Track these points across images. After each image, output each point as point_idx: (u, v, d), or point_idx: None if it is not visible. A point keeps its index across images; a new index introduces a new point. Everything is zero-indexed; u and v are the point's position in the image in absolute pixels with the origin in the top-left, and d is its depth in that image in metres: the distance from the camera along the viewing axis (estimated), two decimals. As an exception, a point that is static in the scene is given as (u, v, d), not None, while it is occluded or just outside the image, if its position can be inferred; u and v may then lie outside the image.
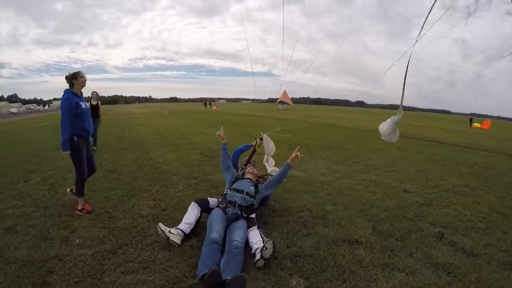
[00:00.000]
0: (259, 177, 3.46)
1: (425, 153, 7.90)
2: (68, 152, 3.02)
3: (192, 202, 2.81)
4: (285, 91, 46.01)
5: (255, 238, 2.44)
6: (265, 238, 2.45)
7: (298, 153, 3.13)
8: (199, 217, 2.72)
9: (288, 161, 3.13)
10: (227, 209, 2.68)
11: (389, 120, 2.72)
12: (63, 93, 3.08)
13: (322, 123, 17.08)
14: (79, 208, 3.18)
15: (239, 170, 3.53)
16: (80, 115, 3.05)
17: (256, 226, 2.59)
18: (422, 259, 2.37)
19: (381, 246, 2.56)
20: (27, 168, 5.23)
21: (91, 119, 3.45)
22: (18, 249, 2.40)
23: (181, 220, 2.67)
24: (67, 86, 3.14)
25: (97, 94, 7.51)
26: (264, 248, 2.17)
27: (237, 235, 2.32)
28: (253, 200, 2.88)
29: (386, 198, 3.95)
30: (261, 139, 3.87)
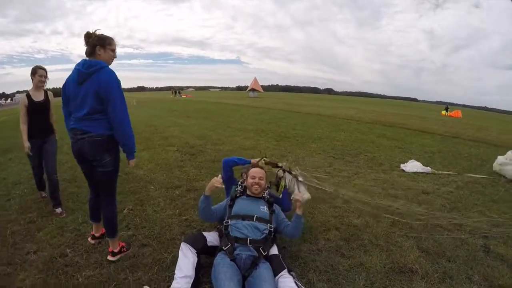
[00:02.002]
0: (268, 187, 2.49)
1: (417, 143, 7.67)
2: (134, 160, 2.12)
3: (182, 244, 1.89)
4: (255, 78, 44.84)
5: (293, 292, 1.65)
6: None
7: (297, 197, 2.09)
8: (198, 261, 1.84)
9: (297, 211, 2.08)
10: (235, 253, 1.83)
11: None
12: (90, 66, 1.79)
13: (300, 111, 16.49)
14: (117, 250, 2.14)
15: (238, 184, 2.46)
16: None
17: (286, 270, 1.78)
18: (483, 283, 2.04)
19: (438, 273, 2.13)
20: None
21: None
22: None
23: (174, 272, 1.77)
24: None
25: (46, 75, 2.91)
26: None
27: None
28: (269, 227, 2.01)
29: (410, 203, 3.44)
30: (268, 162, 2.68)
